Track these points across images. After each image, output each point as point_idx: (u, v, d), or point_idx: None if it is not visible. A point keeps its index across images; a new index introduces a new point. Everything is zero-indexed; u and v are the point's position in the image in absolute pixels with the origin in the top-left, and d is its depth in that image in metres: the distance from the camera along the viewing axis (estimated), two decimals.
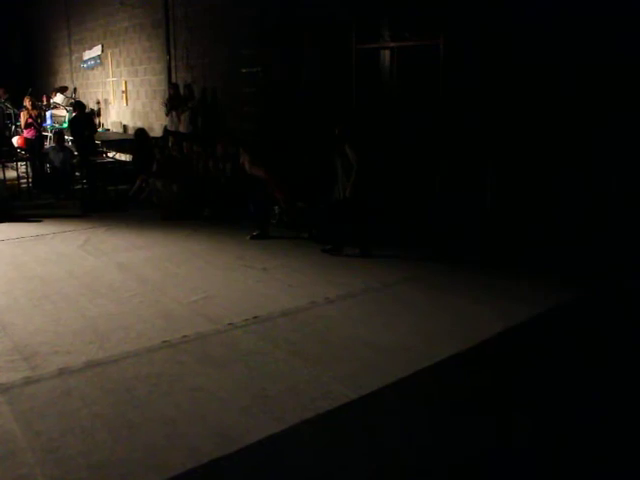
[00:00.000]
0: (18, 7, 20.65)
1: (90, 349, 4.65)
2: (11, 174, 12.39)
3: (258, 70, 9.97)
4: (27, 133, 12.13)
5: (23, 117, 12.29)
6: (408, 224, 7.78)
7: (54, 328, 5.05)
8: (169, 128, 11.46)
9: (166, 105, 11.65)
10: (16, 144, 12.93)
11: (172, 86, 11.78)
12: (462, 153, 7.51)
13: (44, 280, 6.36)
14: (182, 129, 11.20)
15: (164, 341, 4.78)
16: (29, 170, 11.84)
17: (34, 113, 12.16)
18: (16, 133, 14.32)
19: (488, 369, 4.49)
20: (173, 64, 12.48)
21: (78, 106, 11.61)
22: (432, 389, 4.18)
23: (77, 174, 11.78)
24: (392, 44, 8.25)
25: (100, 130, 15.60)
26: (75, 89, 17.27)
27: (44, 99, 16.33)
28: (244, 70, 10.27)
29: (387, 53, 8.40)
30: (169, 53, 12.50)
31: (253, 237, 7.98)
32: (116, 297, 5.83)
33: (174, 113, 11.38)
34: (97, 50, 15.96)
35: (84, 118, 11.48)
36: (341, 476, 3.22)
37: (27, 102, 12.38)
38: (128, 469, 3.21)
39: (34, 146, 12.09)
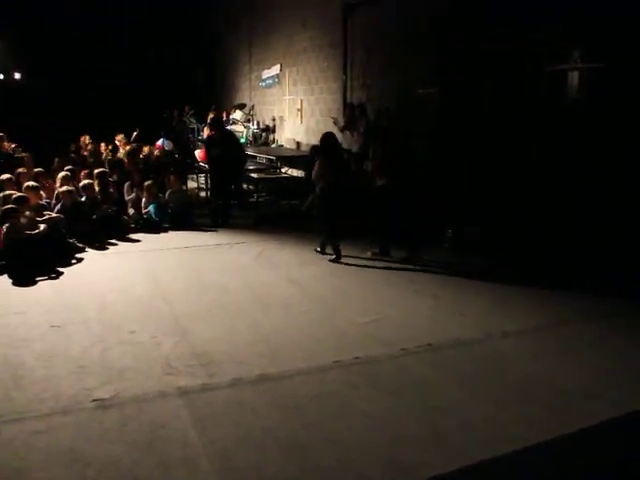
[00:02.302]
0: (202, 27, 22.17)
1: (262, 362, 4.75)
2: (192, 184, 13.29)
3: (435, 91, 9.86)
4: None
5: (205, 132, 13.09)
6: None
7: (229, 338, 5.24)
8: (343, 146, 11.62)
9: (335, 122, 11.85)
10: (198, 157, 13.78)
11: (348, 105, 11.98)
12: None
13: (222, 289, 6.65)
14: (355, 148, 11.31)
15: (335, 361, 4.77)
16: (208, 181, 12.55)
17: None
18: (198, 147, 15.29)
19: None
20: (349, 84, 12.69)
21: (214, 124, 10.95)
22: (619, 446, 3.78)
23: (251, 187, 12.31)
24: (581, 65, 7.79)
25: (273, 146, 16.26)
26: (253, 106, 18.17)
27: (224, 115, 17.32)
28: (420, 91, 10.19)
29: (576, 75, 7.95)
30: (345, 73, 12.73)
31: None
32: (288, 312, 5.94)
33: (348, 132, 11.55)
34: (276, 69, 16.67)
35: (219, 138, 10.51)
36: None
37: (210, 118, 13.17)
38: None
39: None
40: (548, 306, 6.19)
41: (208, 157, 10.84)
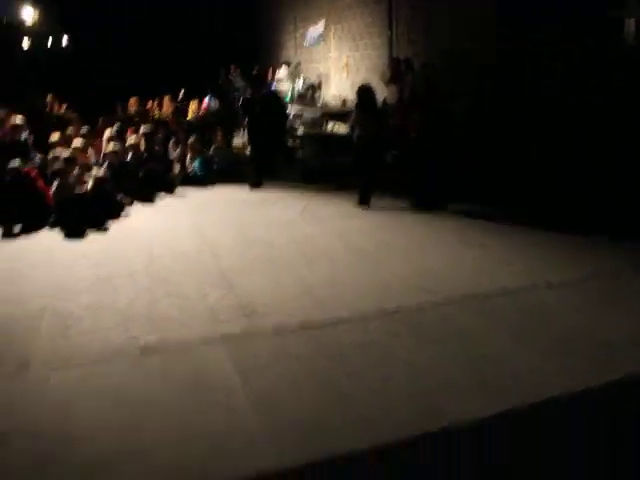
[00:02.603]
0: None
1: (307, 313, 4.73)
2: (238, 141, 13.26)
3: (480, 48, 9.51)
4: None
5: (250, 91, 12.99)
6: None
7: (274, 290, 5.23)
8: (388, 100, 11.40)
9: (382, 77, 11.62)
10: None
11: (393, 60, 11.71)
12: None
13: (267, 244, 6.65)
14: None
15: (378, 309, 4.73)
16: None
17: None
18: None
19: None
20: (394, 39, 12.38)
21: (255, 84, 10.82)
22: None
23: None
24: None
25: (319, 103, 16.07)
26: (298, 63, 17.93)
27: (270, 73, 17.18)
28: (466, 46, 9.86)
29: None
30: (390, 28, 12.42)
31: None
32: (332, 265, 5.90)
33: (394, 87, 11.29)
34: (320, 27, 16.34)
35: (259, 97, 10.50)
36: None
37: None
38: (337, 434, 3.18)
39: None
40: (595, 256, 6.04)
41: (248, 116, 10.65)
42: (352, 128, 8.34)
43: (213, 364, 3.93)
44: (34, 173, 7.80)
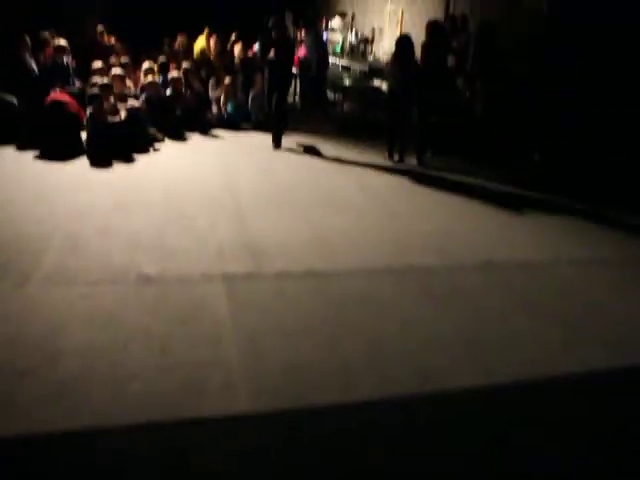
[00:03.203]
0: None
1: (314, 260, 4.67)
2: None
3: (542, 7, 9.08)
4: (300, 52, 12.62)
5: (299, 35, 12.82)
6: None
7: (287, 233, 5.18)
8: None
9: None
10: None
11: (450, 17, 11.30)
12: None
13: (291, 189, 6.58)
14: (450, 63, 10.72)
15: (388, 265, 4.63)
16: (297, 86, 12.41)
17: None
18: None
19: None
20: None
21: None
22: None
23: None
24: None
25: (370, 58, 15.72)
26: (353, 15, 17.53)
27: (323, 22, 16.85)
28: (528, 4, 9.43)
29: None
30: None
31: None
32: (352, 215, 5.81)
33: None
34: None
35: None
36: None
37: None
38: (317, 379, 3.14)
39: (302, 65, 12.55)
40: (629, 237, 5.79)
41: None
42: (387, 77, 8.44)
43: (209, 299, 3.91)
44: (68, 98, 7.83)
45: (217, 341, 3.41)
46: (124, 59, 10.09)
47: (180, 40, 12.55)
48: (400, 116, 8.12)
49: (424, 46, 8.20)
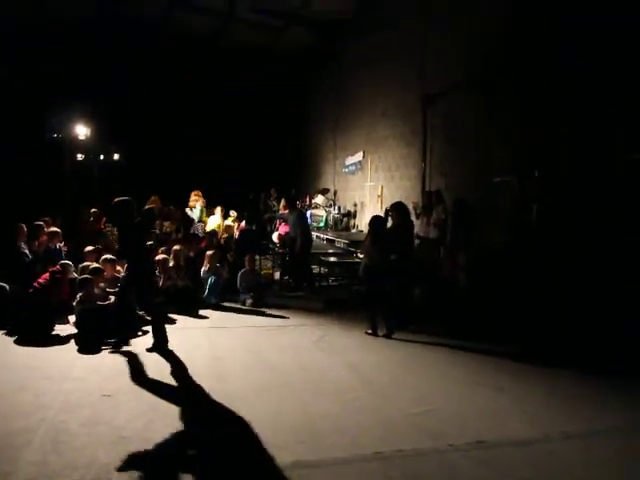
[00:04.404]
0: (295, 106, 23.08)
1: (301, 449, 4.60)
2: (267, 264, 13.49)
3: (512, 180, 9.74)
4: (282, 229, 13.20)
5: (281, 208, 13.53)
6: None
7: (273, 420, 5.12)
8: (419, 232, 11.58)
9: (415, 207, 11.86)
10: (275, 239, 14.07)
11: (426, 193, 12.01)
12: None
13: (275, 370, 6.60)
14: (432, 235, 11.23)
15: (377, 452, 4.57)
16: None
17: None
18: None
19: None
20: (427, 171, 12.80)
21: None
22: None
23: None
24: None
25: (354, 231, 16.42)
26: (335, 192, 18.55)
27: (306, 199, 17.74)
28: (496, 180, 10.12)
29: None
30: (424, 160, 12.87)
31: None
32: (339, 397, 5.78)
33: (424, 219, 11.50)
34: (359, 156, 17.06)
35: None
36: None
37: (282, 204, 13.65)
38: None
39: (285, 242, 13.07)
40: (624, 409, 5.76)
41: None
42: (362, 254, 8.98)
43: None
44: (58, 277, 8.10)
45: None
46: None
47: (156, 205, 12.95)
48: (380, 291, 8.43)
49: (396, 226, 8.94)
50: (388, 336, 8.20)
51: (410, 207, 12.13)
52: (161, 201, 14.00)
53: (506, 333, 8.05)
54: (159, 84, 20.84)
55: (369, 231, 8.72)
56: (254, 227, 14.65)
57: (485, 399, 5.90)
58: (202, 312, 9.40)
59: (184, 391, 5.86)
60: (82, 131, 19.28)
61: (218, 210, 14.62)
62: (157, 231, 12.68)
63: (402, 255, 8.75)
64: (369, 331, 8.33)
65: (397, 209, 9.14)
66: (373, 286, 8.45)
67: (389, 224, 8.95)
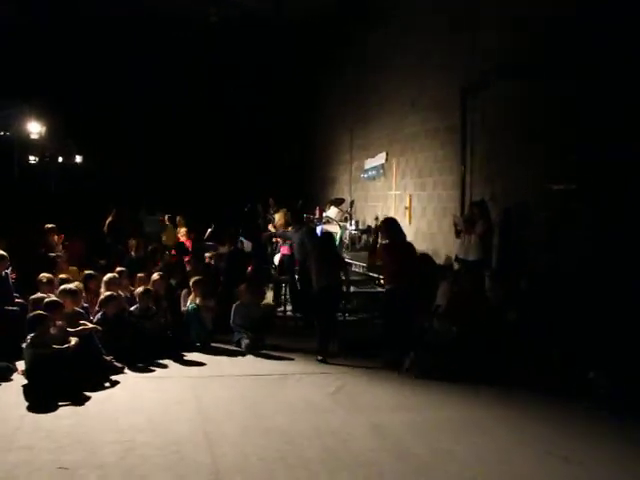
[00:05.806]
0: (297, 110, 23.03)
1: None
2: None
3: (575, 188, 9.42)
4: (282, 250, 13.00)
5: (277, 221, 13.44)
6: None
7: None
8: (457, 254, 11.28)
9: (455, 223, 11.56)
10: (277, 262, 13.82)
11: (471, 205, 11.68)
12: None
13: (283, 435, 6.31)
14: (472, 257, 10.92)
15: None
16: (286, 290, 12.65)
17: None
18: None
19: None
20: (468, 178, 12.44)
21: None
22: None
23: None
24: None
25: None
26: (352, 202, 18.19)
27: (317, 211, 17.41)
28: (555, 188, 9.80)
29: None
30: (464, 164, 12.53)
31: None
32: (363, 475, 5.49)
33: (466, 237, 11.18)
34: (381, 158, 16.72)
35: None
36: None
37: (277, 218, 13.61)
38: None
39: (285, 264, 12.88)
40: None
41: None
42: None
43: None
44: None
45: None
46: (88, 272, 10.21)
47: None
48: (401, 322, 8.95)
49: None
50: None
51: (451, 222, 11.92)
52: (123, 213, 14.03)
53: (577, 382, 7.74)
54: (133, 73, 20.84)
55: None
56: (251, 247, 14.45)
57: (546, 473, 5.61)
58: (188, 356, 9.22)
59: (163, 464, 5.54)
60: (35, 129, 19.23)
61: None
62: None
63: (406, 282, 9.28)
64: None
65: (387, 225, 9.94)
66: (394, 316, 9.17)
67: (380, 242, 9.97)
